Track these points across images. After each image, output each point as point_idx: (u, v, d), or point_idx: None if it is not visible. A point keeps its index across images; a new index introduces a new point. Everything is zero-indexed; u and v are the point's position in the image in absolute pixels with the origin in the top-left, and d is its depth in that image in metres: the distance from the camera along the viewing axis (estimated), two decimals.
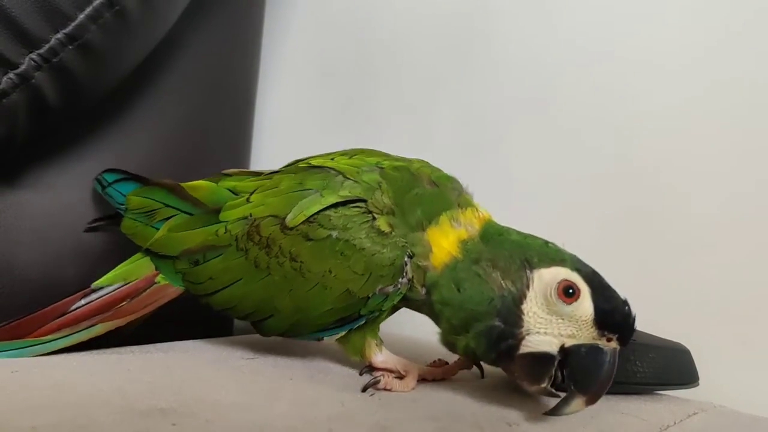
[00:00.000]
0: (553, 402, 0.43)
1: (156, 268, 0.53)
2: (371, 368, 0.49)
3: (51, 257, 0.58)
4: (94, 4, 0.51)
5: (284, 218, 0.48)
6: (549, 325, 0.42)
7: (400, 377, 0.48)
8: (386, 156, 0.52)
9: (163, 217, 0.54)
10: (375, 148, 0.54)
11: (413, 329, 0.70)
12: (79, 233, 0.60)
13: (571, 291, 0.42)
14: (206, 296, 0.51)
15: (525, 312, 0.42)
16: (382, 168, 0.50)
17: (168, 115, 0.68)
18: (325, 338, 0.50)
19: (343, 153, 0.53)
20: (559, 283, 0.42)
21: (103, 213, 0.60)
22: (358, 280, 0.46)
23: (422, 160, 0.53)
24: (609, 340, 0.42)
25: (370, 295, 0.46)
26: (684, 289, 0.61)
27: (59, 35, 0.50)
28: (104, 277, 0.53)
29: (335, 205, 0.47)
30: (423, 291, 0.46)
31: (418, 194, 0.49)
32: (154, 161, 0.66)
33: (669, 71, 0.65)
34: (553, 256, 0.44)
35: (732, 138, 0.61)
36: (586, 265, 0.43)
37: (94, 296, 0.52)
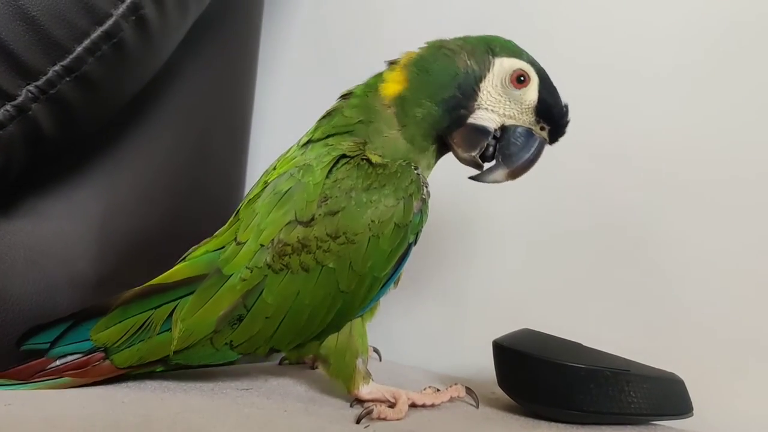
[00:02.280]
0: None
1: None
2: (359, 401, 0.49)
3: (45, 287, 0.57)
4: (92, 37, 0.51)
5: (295, 218, 0.48)
6: (497, 105, 0.50)
7: (391, 405, 0.48)
8: (293, 145, 0.55)
9: (164, 317, 0.49)
10: None
11: (400, 357, 0.70)
12: (73, 263, 0.59)
13: (522, 78, 0.50)
14: (269, 340, 0.49)
15: (481, 90, 0.50)
16: (306, 143, 0.53)
17: (163, 144, 0.68)
18: (393, 286, 0.51)
19: (265, 173, 0.54)
20: (515, 70, 0.50)
21: (99, 244, 0.58)
22: (397, 211, 0.48)
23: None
24: (542, 129, 0.50)
25: (410, 219, 0.48)
26: (677, 318, 0.62)
27: (56, 67, 0.51)
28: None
29: (328, 176, 0.48)
30: (392, 115, 0.51)
31: (350, 104, 0.53)
32: (149, 190, 0.66)
33: (668, 89, 0.66)
34: (513, 49, 0.51)
35: (728, 161, 0.62)
36: (540, 64, 0.51)
37: (69, 358, 0.50)
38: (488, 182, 0.51)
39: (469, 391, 0.53)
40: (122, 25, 0.53)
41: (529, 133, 0.50)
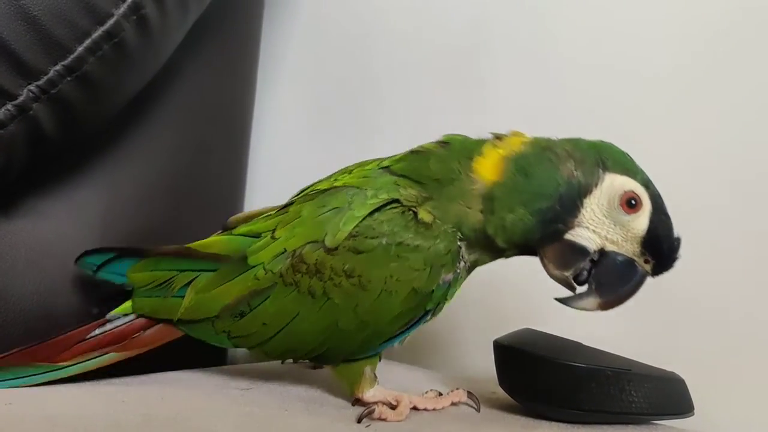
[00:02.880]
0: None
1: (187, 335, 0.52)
2: (361, 403, 0.49)
3: (46, 286, 0.57)
4: (93, 36, 0.51)
5: (323, 241, 0.46)
6: (600, 226, 0.45)
7: (393, 407, 0.48)
8: (380, 159, 0.52)
9: (183, 283, 0.51)
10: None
11: (400, 356, 0.70)
12: (73, 263, 0.59)
13: (633, 202, 0.44)
14: (261, 345, 0.49)
15: (585, 206, 0.45)
16: (386, 167, 0.50)
17: (163, 144, 0.68)
18: (398, 343, 0.49)
19: (342, 171, 0.53)
20: (626, 191, 0.44)
21: (100, 244, 0.58)
22: (421, 276, 0.45)
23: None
24: (646, 262, 0.45)
25: (434, 288, 0.46)
26: (677, 317, 0.62)
27: (58, 67, 0.51)
28: (118, 309, 0.53)
29: (371, 214, 0.46)
30: (479, 211, 0.46)
31: (439, 157, 0.48)
32: (150, 190, 0.66)
33: (671, 92, 0.66)
34: (628, 165, 0.45)
35: (728, 160, 0.62)
36: (655, 188, 0.45)
37: (108, 326, 0.52)
38: (576, 308, 0.46)
39: (470, 395, 0.53)
40: (123, 24, 0.53)
41: (630, 264, 0.45)
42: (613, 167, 0.45)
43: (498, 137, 0.49)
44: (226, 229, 0.54)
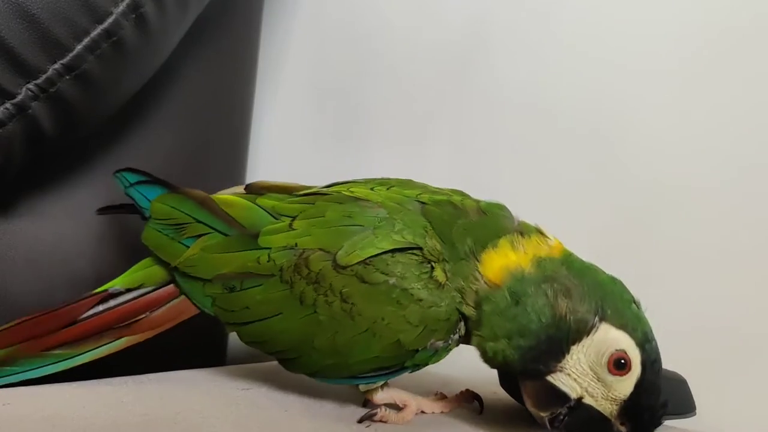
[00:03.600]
0: None
1: (177, 285, 0.50)
2: (371, 404, 0.49)
3: (45, 286, 0.57)
4: (92, 35, 0.51)
5: (335, 254, 0.45)
6: (583, 377, 0.41)
7: (398, 409, 0.48)
8: (423, 187, 0.51)
9: (194, 233, 0.50)
10: (414, 180, 0.53)
11: None
12: (73, 262, 0.59)
13: (622, 363, 0.40)
14: (236, 326, 0.48)
15: (571, 353, 0.41)
16: (423, 203, 0.48)
17: (163, 144, 0.68)
18: (360, 386, 0.48)
19: (382, 183, 0.51)
20: (617, 351, 0.40)
21: (99, 244, 0.58)
22: (410, 332, 0.43)
23: (460, 191, 0.51)
24: (622, 424, 0.41)
25: (419, 348, 0.44)
26: (678, 317, 0.61)
27: (57, 66, 0.51)
28: (121, 278, 0.51)
29: (392, 251, 0.44)
30: (473, 309, 0.44)
31: (466, 225, 0.46)
32: None
33: (673, 84, 0.66)
34: (628, 319, 0.41)
35: (728, 159, 0.61)
36: (654, 349, 0.41)
37: (112, 303, 0.50)
38: None
39: (475, 397, 0.52)
40: (122, 23, 0.53)
41: (605, 422, 0.41)
42: (611, 317, 0.41)
43: (522, 232, 0.46)
44: (251, 191, 0.53)
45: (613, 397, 0.41)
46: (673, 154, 0.64)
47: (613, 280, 0.44)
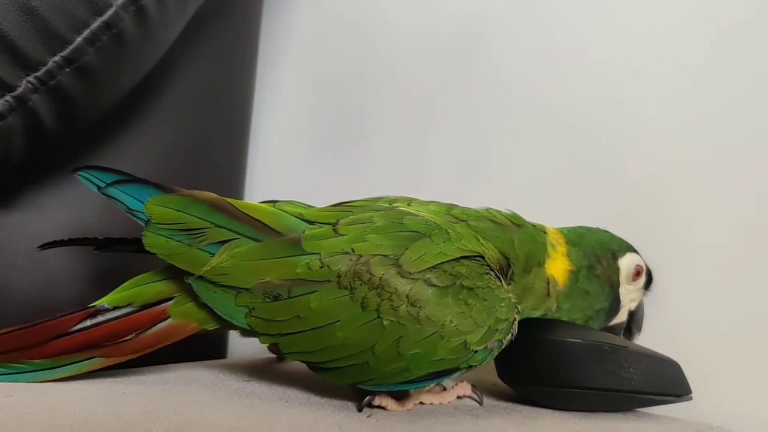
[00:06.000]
0: None
1: (172, 298, 0.48)
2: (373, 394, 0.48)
3: (46, 280, 0.57)
4: (92, 27, 0.51)
5: (397, 259, 0.45)
6: (627, 297, 0.57)
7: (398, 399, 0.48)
8: (450, 206, 0.53)
9: (216, 240, 0.47)
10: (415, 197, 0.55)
11: None
12: (74, 256, 0.59)
13: (640, 271, 0.57)
14: (278, 336, 0.46)
15: (621, 294, 0.56)
16: (462, 220, 0.50)
17: (163, 139, 0.68)
18: (413, 388, 0.47)
19: (389, 200, 0.53)
20: (635, 267, 0.56)
21: (101, 235, 0.56)
22: (477, 332, 0.44)
23: (486, 208, 0.54)
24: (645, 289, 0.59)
25: (478, 349, 0.45)
26: (674, 308, 0.62)
27: (56, 58, 0.51)
28: (110, 296, 0.48)
29: (460, 260, 0.45)
30: (554, 308, 0.54)
31: (515, 238, 0.51)
32: None
33: (672, 86, 0.66)
34: (623, 244, 0.57)
35: (729, 146, 0.62)
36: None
37: (99, 318, 0.47)
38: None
39: (474, 388, 0.53)
40: (122, 15, 0.53)
41: (641, 304, 0.59)
42: (619, 251, 0.56)
43: (545, 232, 0.55)
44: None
45: (639, 288, 0.58)
46: (672, 144, 0.64)
47: (593, 231, 0.57)
